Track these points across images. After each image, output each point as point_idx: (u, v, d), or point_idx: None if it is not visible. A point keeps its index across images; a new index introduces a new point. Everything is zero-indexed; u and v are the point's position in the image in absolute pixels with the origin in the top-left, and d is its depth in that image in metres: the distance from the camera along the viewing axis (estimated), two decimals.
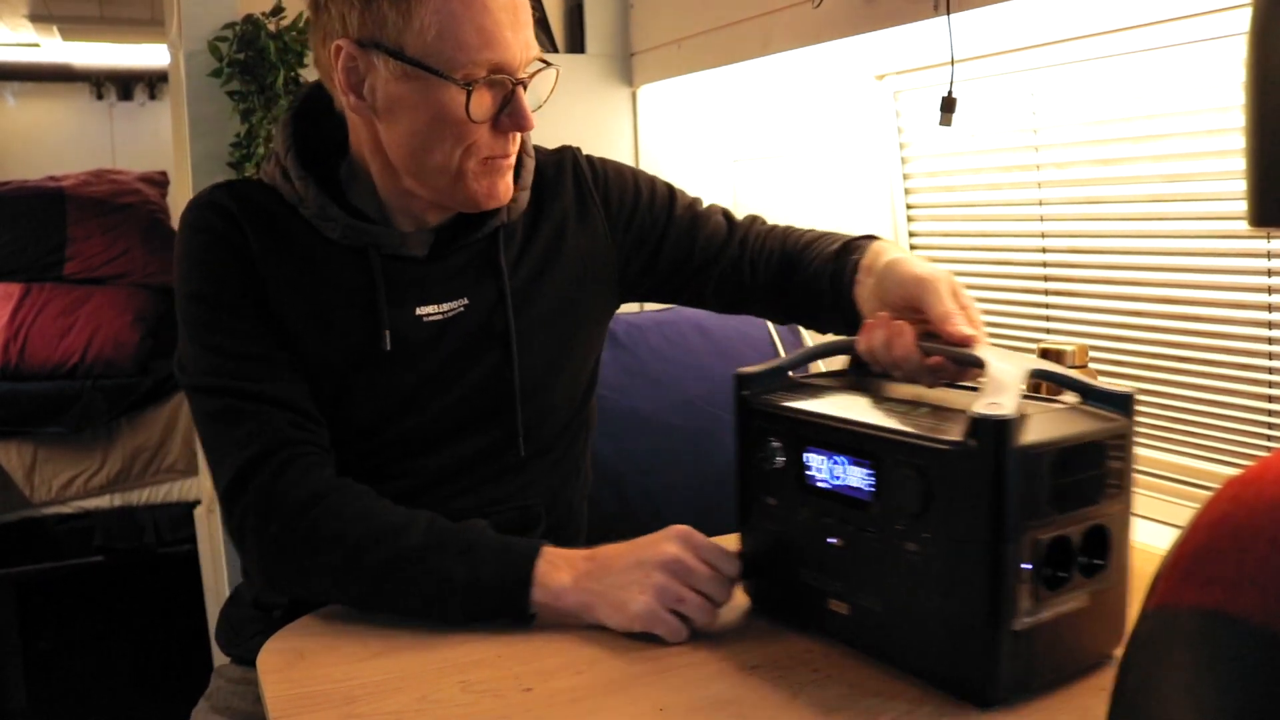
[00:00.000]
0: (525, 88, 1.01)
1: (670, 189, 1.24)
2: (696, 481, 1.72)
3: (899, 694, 0.80)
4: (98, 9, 3.51)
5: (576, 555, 0.94)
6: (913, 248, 1.79)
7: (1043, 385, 0.95)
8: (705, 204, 1.25)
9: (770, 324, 1.90)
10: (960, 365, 0.89)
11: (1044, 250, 1.52)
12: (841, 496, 0.85)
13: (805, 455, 0.88)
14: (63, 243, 2.84)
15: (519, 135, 1.04)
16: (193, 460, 2.68)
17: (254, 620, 1.11)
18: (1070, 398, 0.87)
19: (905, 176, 1.77)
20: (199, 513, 2.30)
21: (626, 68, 2.10)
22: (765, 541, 0.93)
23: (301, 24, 1.80)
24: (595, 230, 1.17)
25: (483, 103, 0.99)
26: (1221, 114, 1.24)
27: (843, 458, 0.84)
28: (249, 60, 1.76)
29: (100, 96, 4.14)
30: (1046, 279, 1.53)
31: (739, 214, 1.28)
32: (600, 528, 1.57)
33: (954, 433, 0.77)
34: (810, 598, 0.88)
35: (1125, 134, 1.37)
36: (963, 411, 0.78)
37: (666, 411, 1.72)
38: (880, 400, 0.91)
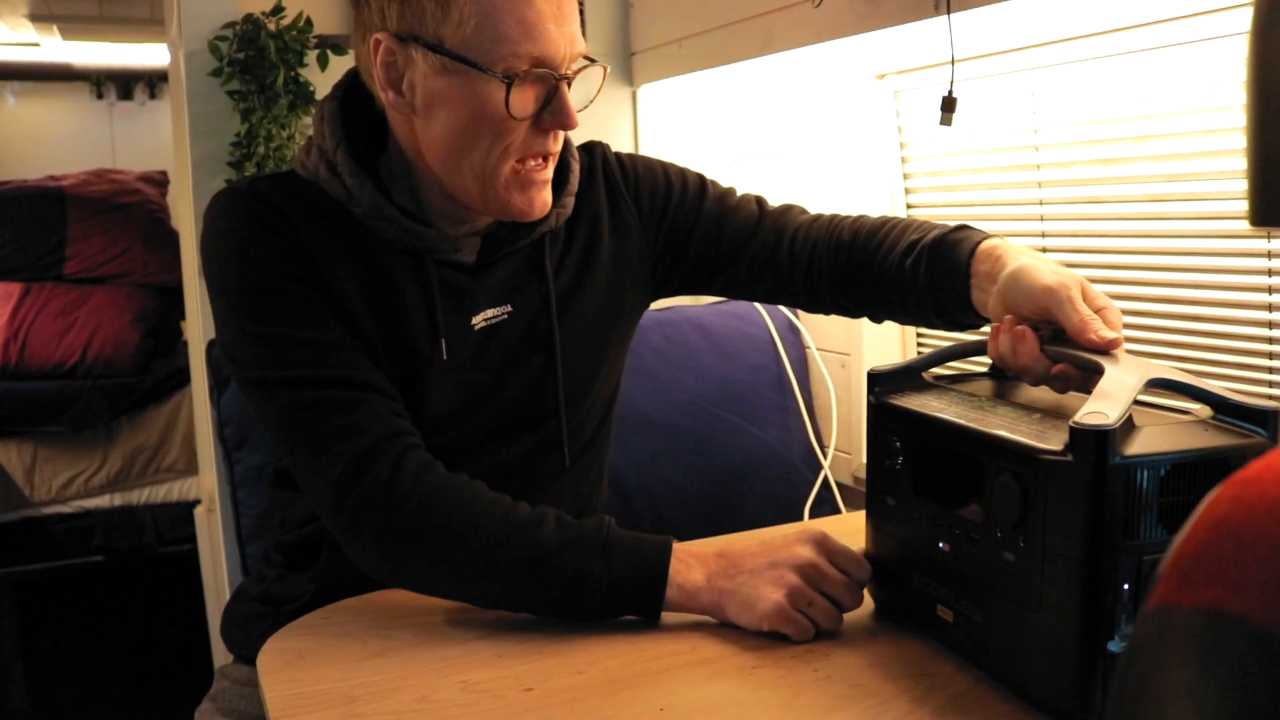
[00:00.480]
0: (570, 84, 0.98)
1: (701, 180, 1.21)
2: (696, 481, 1.72)
3: (899, 694, 0.80)
4: (98, 8, 3.51)
5: (707, 553, 0.94)
6: None
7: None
8: (740, 193, 1.22)
9: (771, 324, 1.90)
10: (1084, 371, 0.85)
11: (1044, 250, 1.52)
12: (950, 500, 0.83)
13: (920, 456, 0.87)
14: (63, 242, 2.84)
15: (561, 134, 1.01)
16: (192, 460, 2.68)
17: (262, 618, 1.11)
18: (1204, 410, 0.82)
19: (905, 176, 1.77)
20: (199, 512, 2.30)
21: (626, 67, 2.10)
22: (886, 543, 0.93)
23: (301, 24, 1.80)
24: (629, 231, 1.15)
25: (524, 98, 0.95)
26: (1222, 114, 1.24)
27: (952, 462, 0.82)
28: (249, 60, 1.76)
29: (100, 96, 4.14)
30: None
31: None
32: None
33: (1056, 441, 0.74)
34: (922, 603, 0.87)
35: (1125, 134, 1.37)
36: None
37: (666, 411, 1.72)
38: (1003, 403, 0.87)
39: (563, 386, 1.08)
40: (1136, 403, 0.77)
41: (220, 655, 1.31)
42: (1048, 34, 1.40)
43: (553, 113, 0.98)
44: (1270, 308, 1.23)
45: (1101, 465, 0.70)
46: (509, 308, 1.07)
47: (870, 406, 0.94)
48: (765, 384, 1.84)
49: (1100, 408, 0.73)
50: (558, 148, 1.02)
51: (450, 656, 0.88)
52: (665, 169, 1.21)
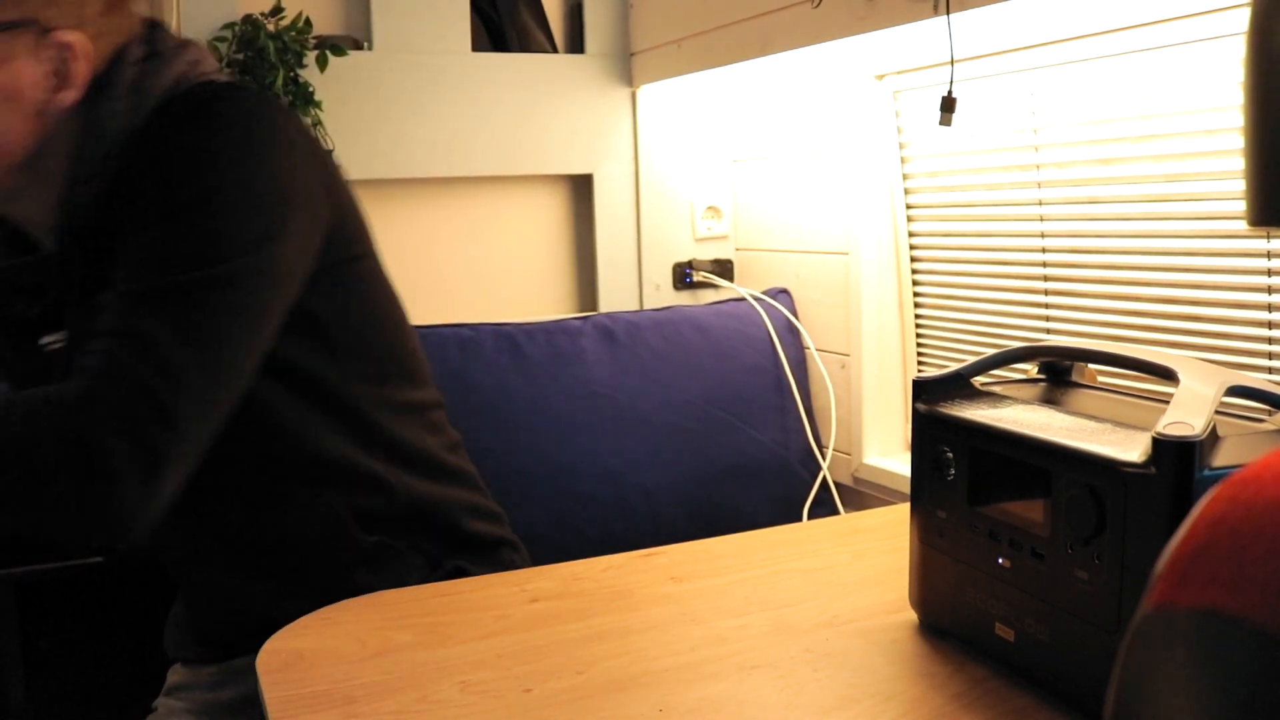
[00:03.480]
0: None
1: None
2: (695, 481, 1.72)
3: (899, 694, 0.80)
4: None
5: None
6: (912, 248, 1.79)
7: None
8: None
9: (770, 325, 1.90)
10: (1150, 374, 0.82)
11: (1044, 250, 1.52)
12: (1011, 514, 0.80)
13: (977, 468, 0.83)
14: None
15: None
16: None
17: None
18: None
19: (905, 176, 1.77)
20: None
21: (626, 68, 2.10)
22: (934, 558, 0.89)
23: (301, 24, 1.80)
24: None
25: None
26: (1221, 114, 1.24)
27: (1014, 473, 0.79)
28: (248, 60, 1.76)
29: None
30: (1046, 279, 1.53)
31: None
32: (600, 527, 1.57)
33: (1135, 452, 0.70)
34: (977, 620, 0.84)
35: (1125, 134, 1.37)
36: (1149, 430, 0.71)
37: (665, 411, 1.72)
38: (1065, 412, 0.84)
39: None
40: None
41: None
42: (1047, 34, 1.40)
43: None
44: (1270, 308, 1.23)
45: (1187, 478, 0.67)
46: None
47: (918, 415, 0.90)
48: (764, 384, 1.84)
49: (1183, 417, 0.69)
50: None
51: (450, 657, 0.88)
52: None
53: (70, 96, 0.93)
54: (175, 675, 1.17)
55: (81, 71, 0.93)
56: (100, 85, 0.93)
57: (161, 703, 1.15)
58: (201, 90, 0.94)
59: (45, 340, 1.00)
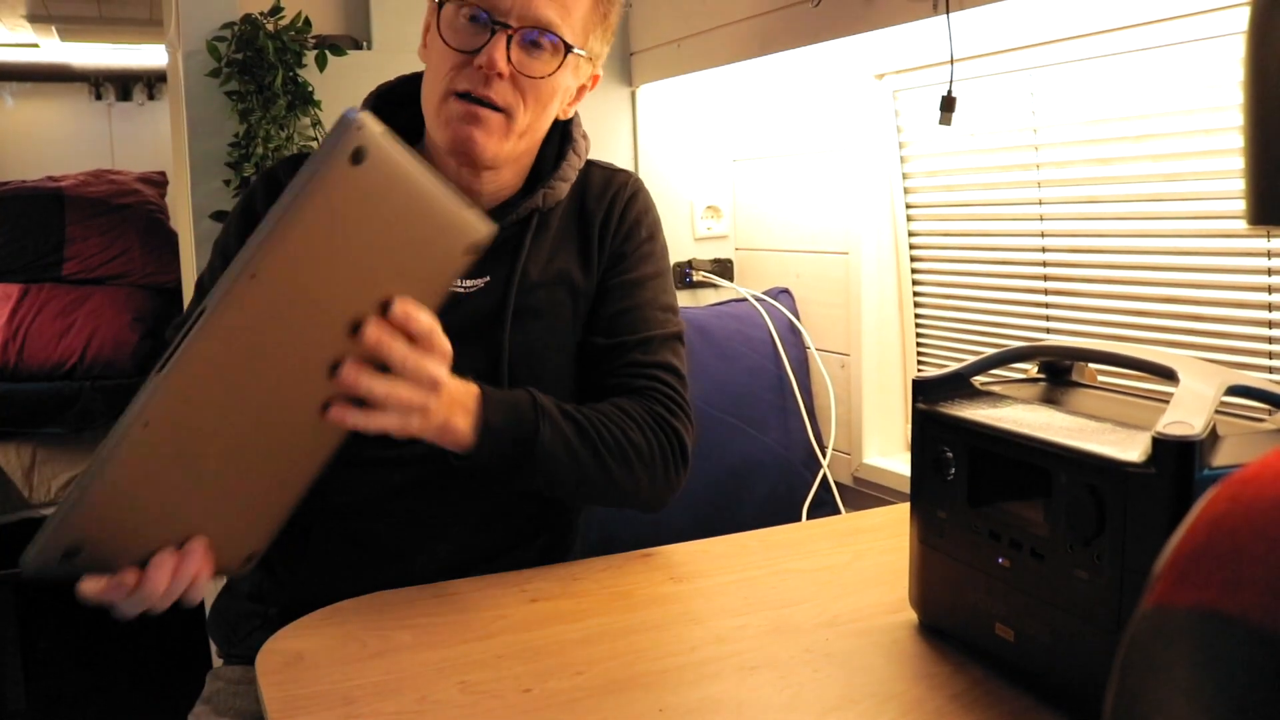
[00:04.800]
0: (510, 41, 1.04)
1: (659, 271, 1.18)
2: (696, 481, 1.72)
3: (899, 694, 0.80)
4: (96, 9, 3.51)
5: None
6: (912, 247, 1.79)
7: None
8: (674, 327, 1.16)
9: (771, 326, 1.90)
10: (1150, 374, 0.82)
11: (1044, 250, 1.52)
12: (1011, 514, 0.80)
13: (977, 467, 0.83)
14: (61, 243, 2.84)
15: (495, 80, 1.04)
16: None
17: (250, 616, 1.11)
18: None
19: (905, 176, 1.77)
20: None
21: (626, 67, 2.10)
22: (934, 558, 0.89)
23: (300, 24, 1.80)
24: (593, 264, 1.16)
25: (455, 27, 1.05)
26: (1220, 113, 1.24)
27: (1014, 472, 0.79)
28: (248, 60, 1.76)
29: (99, 97, 4.13)
30: (1046, 279, 1.53)
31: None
32: (599, 527, 1.57)
33: (1135, 452, 0.70)
34: (977, 620, 0.83)
35: (1125, 133, 1.37)
36: (1149, 429, 0.70)
37: None
38: (1065, 412, 0.84)
39: (507, 357, 1.10)
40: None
41: (216, 655, 1.30)
42: (1047, 34, 1.40)
43: (483, 53, 1.04)
44: (1270, 307, 1.23)
45: (1187, 477, 0.66)
46: (487, 279, 1.11)
47: (918, 415, 0.90)
48: (765, 385, 1.84)
49: (1183, 417, 0.69)
50: (487, 91, 1.05)
51: (449, 657, 0.88)
52: (642, 242, 1.18)
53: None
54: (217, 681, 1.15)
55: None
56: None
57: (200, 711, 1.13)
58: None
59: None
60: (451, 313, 1.07)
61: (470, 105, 1.05)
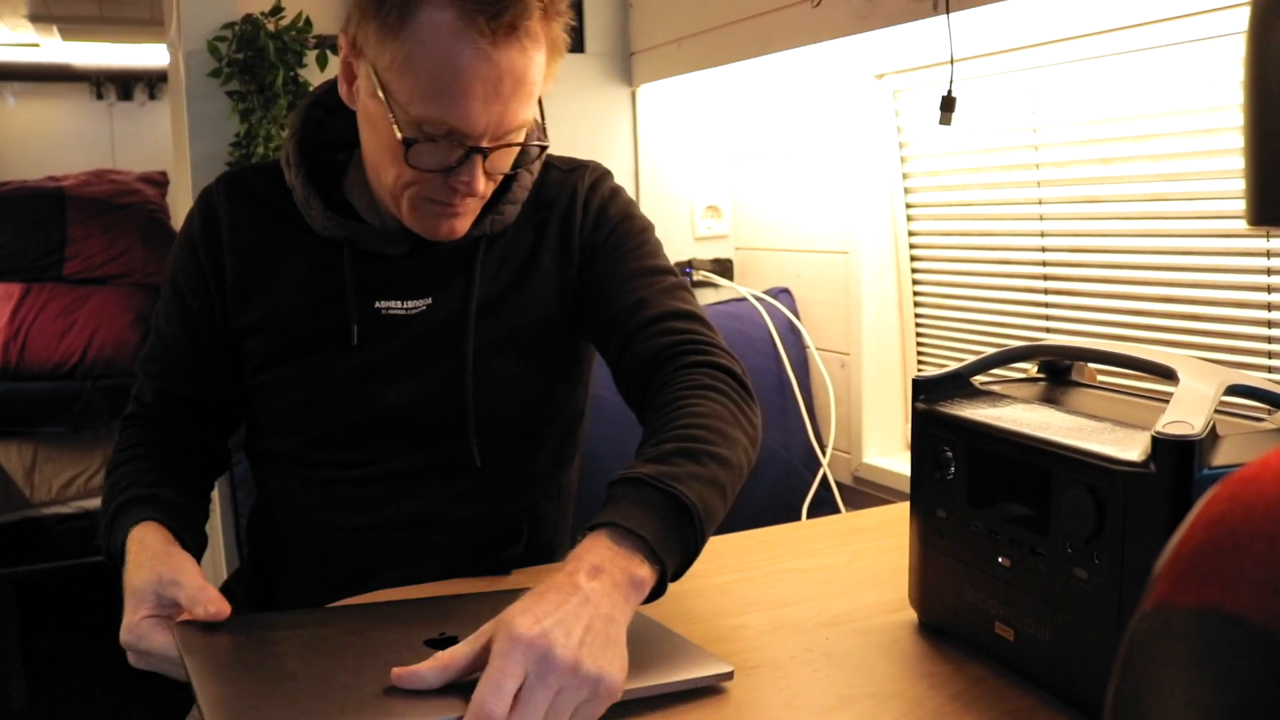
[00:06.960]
0: (486, 156, 0.98)
1: (640, 243, 1.13)
2: None
3: (899, 694, 0.80)
4: (97, 9, 3.51)
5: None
6: (912, 247, 1.79)
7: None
8: (671, 280, 1.11)
9: (771, 325, 1.90)
10: (1149, 373, 0.81)
11: (1043, 250, 1.52)
12: (1011, 514, 0.80)
13: (977, 467, 0.83)
14: (62, 242, 2.85)
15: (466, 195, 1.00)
16: None
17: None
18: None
19: (905, 176, 1.77)
20: None
21: (626, 67, 2.10)
22: (934, 558, 0.88)
23: (300, 24, 1.80)
24: (570, 262, 1.12)
25: (426, 155, 0.97)
26: (1220, 113, 1.24)
27: (1014, 472, 0.79)
28: (248, 60, 1.76)
29: (100, 96, 4.14)
30: (1046, 279, 1.53)
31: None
32: None
33: (1135, 452, 0.70)
34: (976, 619, 0.83)
35: (1124, 133, 1.37)
36: (1149, 429, 0.70)
37: None
38: (1065, 411, 0.83)
39: (471, 386, 1.07)
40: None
41: None
42: (1047, 34, 1.40)
43: (458, 175, 0.98)
44: (1270, 307, 1.23)
45: (1186, 477, 0.66)
46: (429, 300, 1.08)
47: (918, 414, 0.90)
48: (765, 385, 1.84)
49: (1183, 416, 0.68)
50: (466, 204, 1.02)
51: None
52: (619, 220, 1.14)
53: None
54: None
55: None
56: None
57: None
58: None
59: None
60: (399, 333, 1.06)
61: (447, 207, 1.01)
